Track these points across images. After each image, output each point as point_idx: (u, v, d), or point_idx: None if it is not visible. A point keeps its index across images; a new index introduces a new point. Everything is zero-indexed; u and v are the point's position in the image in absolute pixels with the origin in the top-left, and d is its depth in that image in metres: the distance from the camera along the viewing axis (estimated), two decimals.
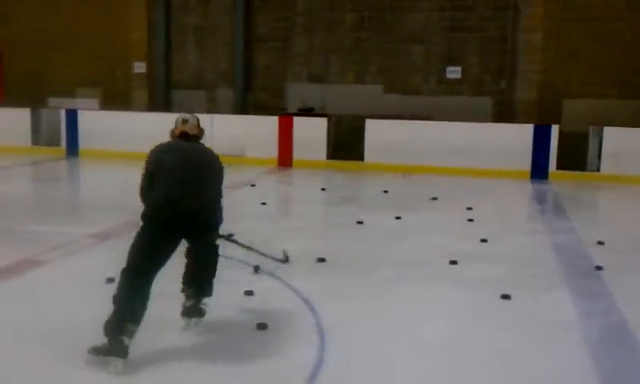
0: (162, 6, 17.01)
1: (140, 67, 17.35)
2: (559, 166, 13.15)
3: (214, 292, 4.84)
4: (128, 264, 4.35)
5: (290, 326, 4.80)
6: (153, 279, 4.36)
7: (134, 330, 4.15)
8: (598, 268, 6.51)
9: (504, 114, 15.08)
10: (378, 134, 13.96)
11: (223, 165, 4.79)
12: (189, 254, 4.87)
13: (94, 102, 17.35)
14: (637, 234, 8.40)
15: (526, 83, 14.88)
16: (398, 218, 8.75)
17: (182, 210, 4.39)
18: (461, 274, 6.31)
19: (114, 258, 6.61)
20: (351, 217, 8.78)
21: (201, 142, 4.82)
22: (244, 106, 16.59)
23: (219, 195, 4.79)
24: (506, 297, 5.51)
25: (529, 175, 13.14)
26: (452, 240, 7.64)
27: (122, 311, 4.18)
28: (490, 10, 15.22)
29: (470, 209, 9.46)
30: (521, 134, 13.30)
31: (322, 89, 16.20)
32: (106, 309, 5.07)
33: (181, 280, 4.92)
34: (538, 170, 13.08)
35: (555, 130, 13.16)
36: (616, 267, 6.61)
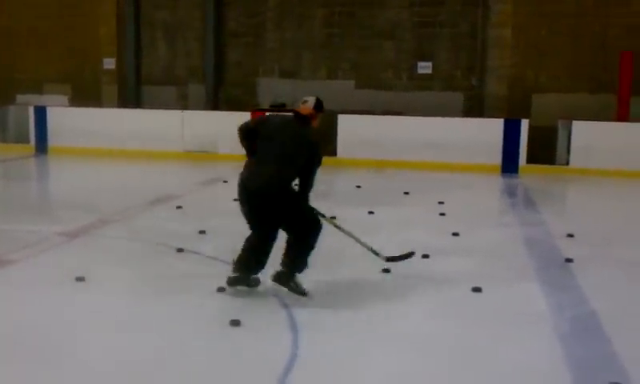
0: (132, 1, 16.82)
1: (109, 63, 17.15)
2: (529, 160, 13.29)
3: (304, 270, 5.30)
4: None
5: (263, 322, 4.79)
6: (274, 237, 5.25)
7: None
8: (568, 260, 6.59)
9: (475, 108, 15.20)
10: (351, 129, 13.99)
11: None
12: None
13: (63, 99, 17.13)
14: (606, 226, 8.52)
15: (496, 78, 15.00)
16: (370, 212, 8.78)
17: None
18: (433, 267, 6.35)
19: (84, 256, 6.58)
20: (324, 211, 8.72)
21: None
22: (215, 101, 16.50)
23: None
24: (477, 290, 5.55)
25: (499, 169, 13.26)
26: (424, 234, 7.68)
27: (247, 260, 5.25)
28: (459, 6, 15.32)
29: (441, 203, 9.52)
30: (491, 129, 13.42)
31: (293, 84, 16.17)
32: (75, 307, 5.02)
33: None
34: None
35: (525, 124, 13.30)
36: (586, 259, 6.69)
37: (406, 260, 5.93)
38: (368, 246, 5.75)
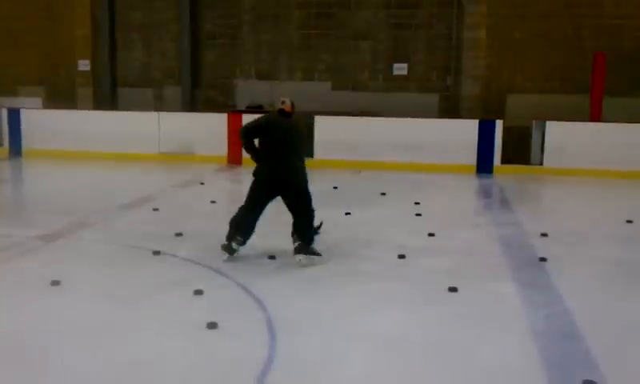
0: (107, 2, 16.72)
1: (84, 65, 17.03)
2: (504, 161, 13.42)
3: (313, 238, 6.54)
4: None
5: (241, 325, 4.80)
6: (253, 214, 6.47)
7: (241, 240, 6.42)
8: (542, 259, 6.67)
9: (450, 109, 15.32)
10: (328, 130, 14.02)
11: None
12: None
13: (38, 101, 16.97)
14: (579, 225, 8.63)
15: (471, 79, 15.13)
16: (347, 213, 8.82)
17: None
18: (409, 267, 6.40)
19: (60, 259, 6.53)
20: None
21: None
22: (192, 103, 16.45)
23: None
24: (453, 289, 5.61)
25: (474, 170, 13.37)
26: (400, 234, 7.73)
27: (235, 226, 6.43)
28: (434, 8, 15.44)
29: (417, 204, 9.59)
30: (466, 129, 13.52)
31: (270, 86, 16.17)
32: (51, 311, 4.99)
33: None
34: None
35: (500, 124, 13.42)
36: (559, 258, 6.79)
37: (317, 231, 6.96)
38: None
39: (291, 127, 6.57)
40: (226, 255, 6.41)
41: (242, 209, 6.52)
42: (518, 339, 4.67)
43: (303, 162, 6.63)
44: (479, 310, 5.24)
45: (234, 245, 6.41)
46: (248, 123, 6.63)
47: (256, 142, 6.56)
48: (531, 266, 6.54)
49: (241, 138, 6.55)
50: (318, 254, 6.46)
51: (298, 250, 6.42)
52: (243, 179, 13.07)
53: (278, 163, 6.40)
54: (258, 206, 6.49)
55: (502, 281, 6.03)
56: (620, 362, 4.36)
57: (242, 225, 6.44)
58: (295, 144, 6.54)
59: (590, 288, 5.94)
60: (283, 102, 6.64)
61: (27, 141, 14.95)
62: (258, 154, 6.53)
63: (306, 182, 6.56)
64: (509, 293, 5.68)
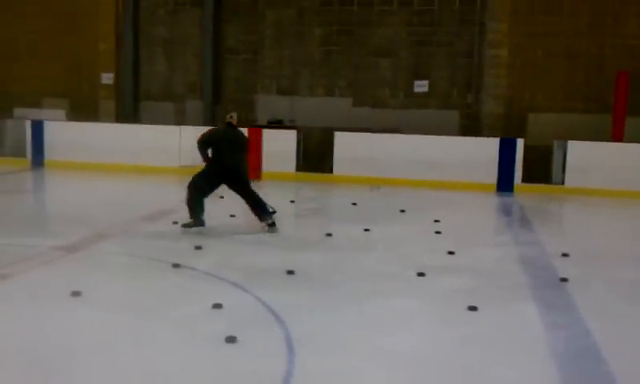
0: (130, 17, 16.91)
1: (108, 78, 17.21)
2: (524, 179, 13.34)
3: (268, 212, 8.49)
4: (195, 183, 8.45)
5: (259, 339, 4.79)
6: (205, 196, 8.45)
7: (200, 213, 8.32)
8: (563, 279, 6.61)
9: (471, 127, 15.28)
10: (347, 146, 14.04)
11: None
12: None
13: (61, 113, 17.15)
14: (600, 245, 8.55)
15: (492, 97, 15.10)
16: (366, 230, 8.80)
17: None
18: (428, 286, 6.36)
19: (80, 270, 6.57)
20: (320, 229, 8.80)
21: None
22: (213, 117, 16.55)
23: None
24: (472, 308, 5.56)
25: (495, 188, 13.30)
26: (420, 252, 7.70)
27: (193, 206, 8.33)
28: (456, 26, 15.44)
29: (437, 221, 9.54)
30: (487, 147, 13.48)
31: (291, 101, 16.24)
32: (71, 322, 5.03)
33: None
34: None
35: (521, 143, 13.36)
36: (580, 279, 6.72)
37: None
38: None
39: (236, 135, 8.62)
40: (187, 228, 8.27)
41: (198, 193, 8.36)
42: (538, 360, 4.62)
43: (245, 162, 8.69)
44: (499, 330, 5.18)
45: (192, 221, 8.28)
46: (203, 135, 8.53)
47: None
48: (552, 287, 6.48)
49: (198, 148, 8.40)
50: (274, 211, 8.56)
51: (262, 219, 8.49)
52: (262, 193, 13.08)
53: (227, 159, 8.37)
54: (209, 191, 8.52)
55: (523, 301, 5.97)
56: None
57: (198, 205, 8.32)
58: (239, 147, 8.53)
59: (611, 309, 5.87)
60: (231, 117, 8.71)
61: (50, 152, 15.12)
62: (208, 158, 8.44)
63: (246, 175, 8.68)
64: (529, 313, 5.62)
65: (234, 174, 8.43)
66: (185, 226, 8.32)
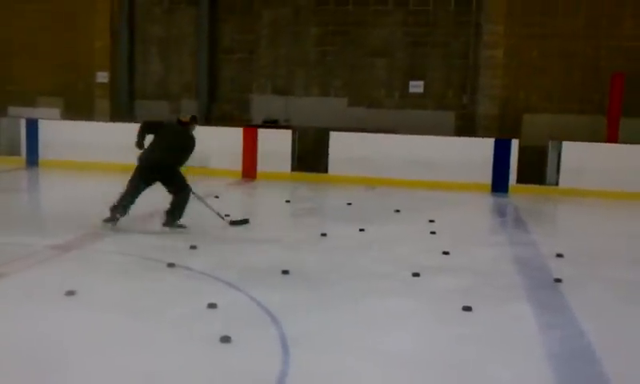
0: (126, 15, 16.87)
1: (103, 77, 17.17)
2: (519, 180, 13.37)
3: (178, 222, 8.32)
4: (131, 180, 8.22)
5: (254, 339, 4.79)
6: (138, 194, 8.21)
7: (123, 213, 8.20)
8: (557, 280, 6.62)
9: (466, 128, 15.30)
10: (343, 146, 14.04)
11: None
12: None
13: (56, 112, 17.11)
14: (594, 246, 8.57)
15: (488, 98, 15.12)
16: (361, 230, 8.80)
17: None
18: (423, 285, 6.37)
19: (75, 270, 6.56)
20: (315, 229, 8.81)
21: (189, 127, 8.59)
22: (208, 117, 16.53)
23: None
24: (467, 309, 5.57)
25: (490, 188, 13.33)
26: (414, 252, 7.71)
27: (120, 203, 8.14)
28: (452, 27, 15.46)
29: (432, 221, 9.55)
30: (482, 148, 13.50)
31: (286, 101, 16.24)
32: (65, 322, 5.02)
33: None
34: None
35: (515, 144, 13.39)
36: (575, 279, 6.74)
37: (243, 224, 8.77)
38: (215, 211, 8.65)
39: (180, 133, 8.46)
40: (109, 224, 8.17)
41: (126, 191, 8.21)
42: (532, 360, 4.63)
43: (179, 163, 8.34)
44: (493, 330, 5.20)
45: (115, 215, 8.20)
46: (150, 120, 8.71)
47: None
48: (546, 287, 6.50)
49: (138, 131, 8.32)
50: (183, 226, 8.27)
51: (165, 223, 8.28)
52: (258, 193, 13.14)
53: (156, 153, 8.18)
54: (139, 189, 8.21)
55: (517, 301, 5.99)
56: None
57: (125, 201, 8.18)
58: (177, 146, 8.31)
59: (606, 310, 5.89)
60: (184, 115, 8.85)
61: (44, 151, 15.07)
62: (142, 142, 8.28)
63: (172, 169, 8.26)
64: (523, 313, 5.64)
65: (157, 170, 8.17)
66: (110, 215, 8.19)
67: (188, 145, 8.41)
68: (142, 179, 8.20)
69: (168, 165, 8.20)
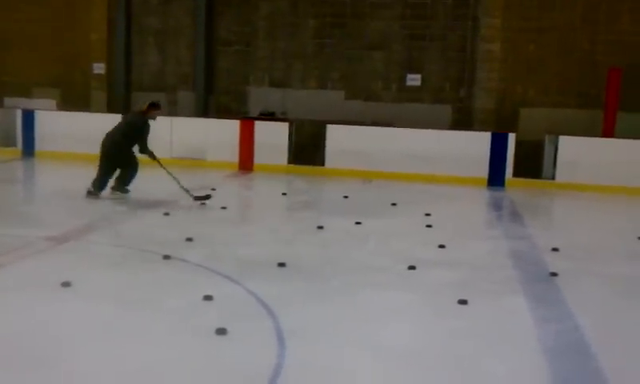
0: (123, 7, 16.80)
1: (99, 68, 17.11)
2: (516, 174, 13.37)
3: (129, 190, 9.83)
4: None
5: (250, 331, 4.79)
6: (109, 175, 9.86)
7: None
8: (553, 274, 6.64)
9: (463, 121, 15.29)
10: (339, 139, 14.03)
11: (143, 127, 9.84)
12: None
13: (52, 103, 17.04)
14: (590, 240, 8.58)
15: (485, 92, 15.11)
16: (358, 223, 8.80)
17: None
18: (419, 279, 6.38)
19: (71, 261, 6.55)
20: (312, 222, 8.81)
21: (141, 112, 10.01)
22: (205, 109, 16.50)
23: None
24: (463, 302, 5.58)
25: (486, 182, 13.34)
26: (411, 245, 7.72)
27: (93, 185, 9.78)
28: (449, 20, 15.42)
29: (428, 215, 9.56)
30: (479, 142, 13.49)
31: (283, 94, 16.21)
32: (61, 313, 5.02)
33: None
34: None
35: (512, 137, 13.39)
36: (570, 273, 6.75)
37: (206, 200, 9.55)
38: (181, 185, 9.63)
39: (130, 119, 10.11)
40: (90, 197, 9.64)
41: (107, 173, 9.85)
42: (527, 354, 4.64)
43: (128, 144, 9.82)
44: (489, 324, 5.21)
45: (93, 194, 9.71)
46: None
47: None
48: (542, 281, 6.51)
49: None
50: (127, 191, 9.89)
51: (114, 188, 9.86)
52: (254, 185, 13.13)
53: (108, 136, 9.84)
54: (106, 169, 9.79)
55: (513, 295, 6.00)
56: (630, 379, 4.33)
57: (99, 182, 9.77)
58: (121, 128, 9.91)
59: (601, 304, 5.90)
60: (144, 103, 10.06)
61: (40, 142, 15.03)
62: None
63: (118, 150, 9.76)
64: (519, 307, 5.65)
65: (102, 148, 9.79)
66: (91, 193, 9.75)
67: (128, 128, 9.86)
68: (103, 160, 9.81)
69: (107, 145, 9.79)
